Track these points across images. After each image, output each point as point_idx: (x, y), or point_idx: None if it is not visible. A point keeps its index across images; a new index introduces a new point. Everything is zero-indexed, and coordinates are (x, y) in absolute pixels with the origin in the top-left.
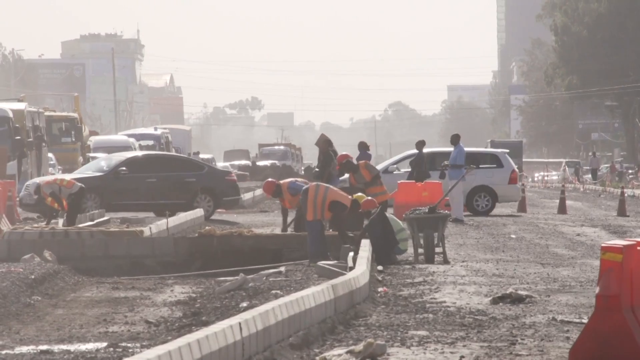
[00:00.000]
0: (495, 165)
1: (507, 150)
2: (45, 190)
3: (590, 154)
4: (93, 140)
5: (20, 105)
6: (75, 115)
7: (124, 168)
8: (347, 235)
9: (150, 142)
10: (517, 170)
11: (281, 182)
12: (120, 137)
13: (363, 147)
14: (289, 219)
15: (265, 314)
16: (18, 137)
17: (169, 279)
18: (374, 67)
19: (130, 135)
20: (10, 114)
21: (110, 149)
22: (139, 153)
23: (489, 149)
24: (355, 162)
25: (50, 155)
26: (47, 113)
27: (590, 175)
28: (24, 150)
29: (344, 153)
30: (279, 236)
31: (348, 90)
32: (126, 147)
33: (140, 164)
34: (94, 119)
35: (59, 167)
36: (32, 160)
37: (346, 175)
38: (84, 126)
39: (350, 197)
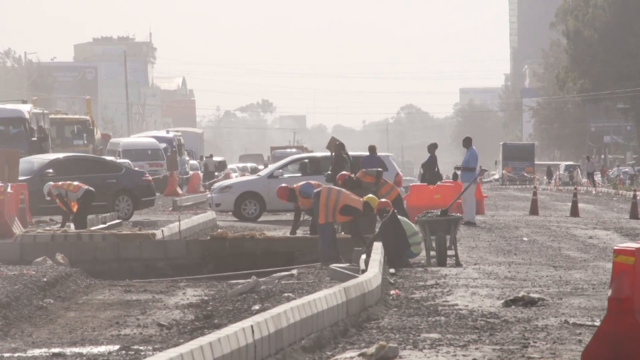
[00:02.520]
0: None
1: (391, 154)
2: (53, 192)
3: (589, 157)
4: (121, 142)
5: (26, 107)
6: (87, 118)
7: (50, 170)
8: (361, 238)
9: (163, 145)
10: (401, 173)
11: (294, 185)
12: (148, 139)
13: (372, 150)
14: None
15: (278, 316)
16: (34, 139)
17: (181, 282)
18: (386, 70)
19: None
20: (27, 115)
21: (140, 151)
22: (60, 155)
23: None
24: (353, 175)
25: None
26: (59, 116)
27: (586, 179)
28: (44, 152)
29: (341, 173)
30: (290, 239)
31: (360, 93)
32: (155, 150)
33: (63, 166)
34: (107, 122)
35: None
36: None
37: None
38: (95, 129)
39: (361, 199)
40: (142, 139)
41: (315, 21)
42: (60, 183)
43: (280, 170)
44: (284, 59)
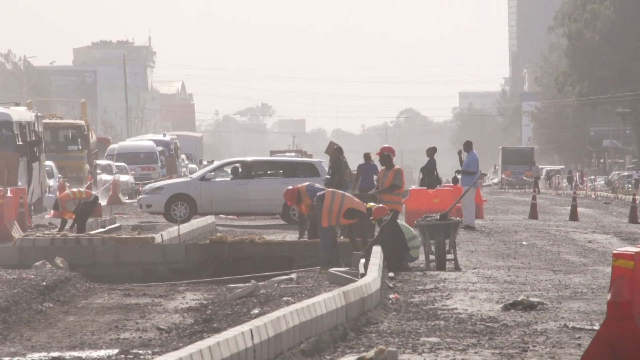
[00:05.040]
0: (311, 175)
1: (324, 160)
2: (68, 207)
3: (535, 162)
4: (117, 146)
5: (19, 110)
6: (82, 122)
7: None
8: (365, 241)
9: (160, 148)
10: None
11: (298, 186)
12: (144, 142)
13: (367, 157)
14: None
15: (277, 320)
16: (20, 143)
17: (181, 286)
18: (385, 74)
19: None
20: (13, 119)
21: (134, 155)
22: None
23: (306, 159)
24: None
25: (50, 163)
26: (53, 120)
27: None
28: (35, 155)
29: (388, 146)
30: (290, 243)
31: (359, 97)
32: (150, 153)
33: None
34: (107, 126)
35: (59, 175)
36: (21, 167)
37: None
38: (90, 133)
39: (365, 205)
40: (138, 142)
41: (314, 25)
42: (71, 195)
43: (212, 173)
44: (284, 63)
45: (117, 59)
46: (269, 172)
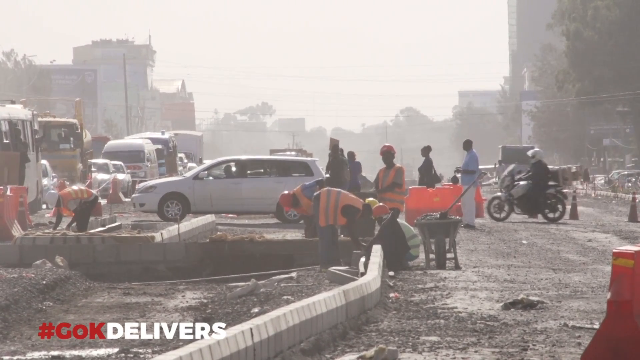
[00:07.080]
0: (304, 174)
1: (317, 159)
2: (70, 207)
3: (501, 162)
4: (106, 145)
5: (15, 108)
6: (75, 121)
7: None
8: (359, 241)
9: (159, 146)
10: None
11: (292, 191)
12: (132, 140)
13: (351, 156)
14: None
15: (277, 319)
16: (7, 141)
17: (180, 285)
18: (385, 73)
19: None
20: (2, 116)
21: (124, 153)
22: None
23: (299, 158)
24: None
25: (44, 162)
26: (46, 119)
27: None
28: (26, 154)
29: (389, 145)
30: (290, 242)
31: (359, 96)
32: (139, 151)
33: None
34: (110, 125)
35: (54, 174)
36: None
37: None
38: (84, 132)
39: (362, 201)
40: (127, 140)
41: (314, 24)
42: (73, 195)
43: (206, 172)
44: (284, 62)
45: (117, 57)
46: (262, 170)
